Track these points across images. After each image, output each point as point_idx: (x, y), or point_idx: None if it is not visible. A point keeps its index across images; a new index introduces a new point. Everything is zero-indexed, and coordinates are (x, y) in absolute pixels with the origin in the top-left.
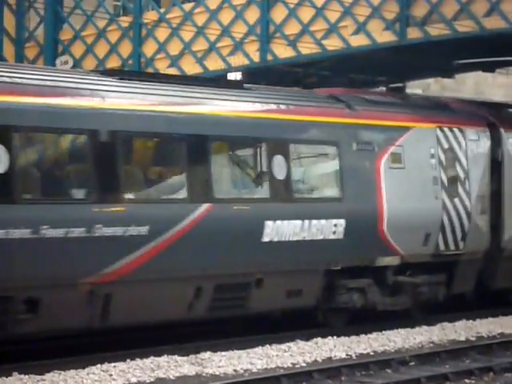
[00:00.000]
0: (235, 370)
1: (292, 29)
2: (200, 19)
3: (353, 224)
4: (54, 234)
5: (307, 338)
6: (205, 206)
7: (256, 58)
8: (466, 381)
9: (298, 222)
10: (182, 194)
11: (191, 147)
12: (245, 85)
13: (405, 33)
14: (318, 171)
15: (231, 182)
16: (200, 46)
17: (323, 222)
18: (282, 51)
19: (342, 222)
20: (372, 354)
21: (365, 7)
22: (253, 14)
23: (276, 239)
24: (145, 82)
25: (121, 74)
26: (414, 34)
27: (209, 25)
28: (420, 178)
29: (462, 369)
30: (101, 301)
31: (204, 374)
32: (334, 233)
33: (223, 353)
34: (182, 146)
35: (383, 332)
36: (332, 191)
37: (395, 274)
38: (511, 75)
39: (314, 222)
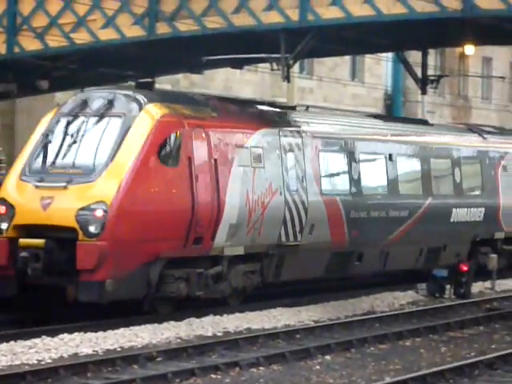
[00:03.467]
0: None
1: (40, 21)
2: None
3: (487, 211)
4: (374, 214)
5: (53, 334)
6: (429, 199)
7: (3, 49)
8: (213, 376)
9: (465, 209)
10: (420, 191)
11: (421, 164)
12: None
13: (154, 28)
14: (472, 177)
15: (438, 184)
16: None
17: (475, 209)
18: (29, 43)
19: (482, 209)
20: (119, 349)
21: (114, 1)
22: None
23: (456, 220)
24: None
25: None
26: (162, 29)
27: None
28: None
29: (209, 364)
30: (384, 255)
31: None
32: (479, 217)
33: None
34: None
35: (131, 328)
36: (478, 190)
37: (501, 244)
38: (260, 72)
39: (472, 209)
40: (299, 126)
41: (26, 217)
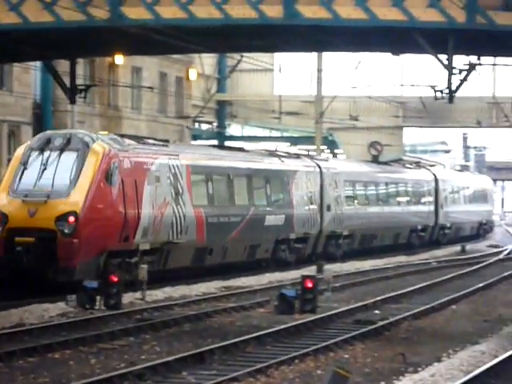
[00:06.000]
0: None
1: None
2: None
3: (286, 218)
4: (221, 220)
5: None
6: (252, 209)
7: None
8: None
9: (273, 216)
10: (246, 202)
11: (247, 182)
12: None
13: None
14: (276, 192)
15: (257, 197)
16: None
17: (279, 216)
18: None
19: (283, 216)
20: None
21: None
22: None
23: (268, 224)
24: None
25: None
26: None
27: None
28: (303, 193)
29: None
30: (224, 250)
31: None
32: (281, 221)
33: None
34: (243, 180)
35: None
36: (280, 202)
37: (293, 242)
38: None
39: (277, 216)
40: (177, 155)
41: (18, 222)
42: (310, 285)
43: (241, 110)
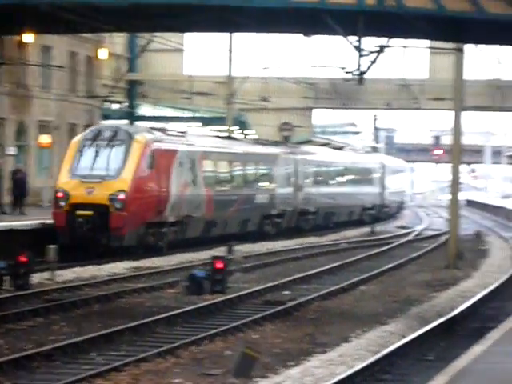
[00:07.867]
0: None
1: None
2: None
3: (269, 196)
4: (223, 198)
5: None
6: (244, 189)
7: None
8: None
9: (261, 195)
10: (241, 183)
11: (242, 166)
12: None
13: None
14: (262, 173)
15: (249, 178)
16: None
17: (265, 195)
18: None
19: (267, 195)
20: None
21: None
22: None
23: (256, 202)
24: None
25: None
26: None
27: None
28: (282, 175)
29: None
30: (225, 223)
31: None
32: (266, 199)
33: None
34: (239, 165)
35: None
36: (265, 182)
37: (273, 217)
38: None
39: (264, 195)
40: (194, 144)
41: (78, 198)
42: (220, 266)
43: (152, 90)
